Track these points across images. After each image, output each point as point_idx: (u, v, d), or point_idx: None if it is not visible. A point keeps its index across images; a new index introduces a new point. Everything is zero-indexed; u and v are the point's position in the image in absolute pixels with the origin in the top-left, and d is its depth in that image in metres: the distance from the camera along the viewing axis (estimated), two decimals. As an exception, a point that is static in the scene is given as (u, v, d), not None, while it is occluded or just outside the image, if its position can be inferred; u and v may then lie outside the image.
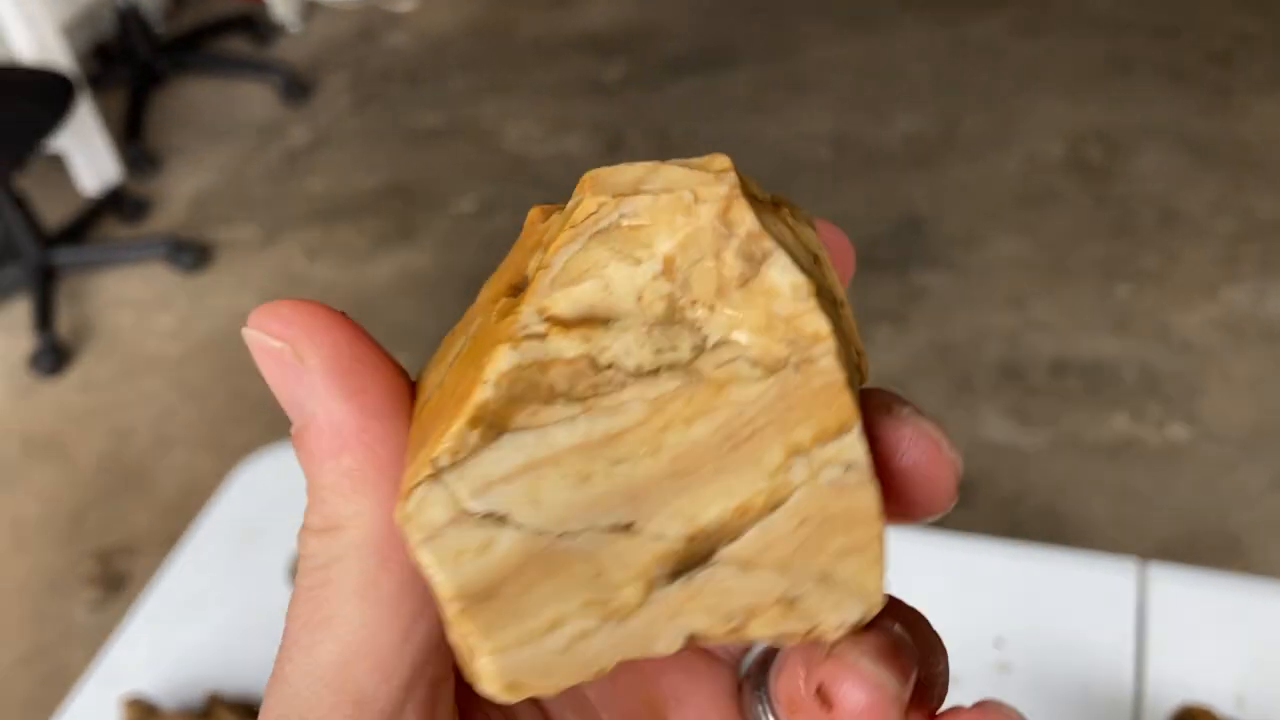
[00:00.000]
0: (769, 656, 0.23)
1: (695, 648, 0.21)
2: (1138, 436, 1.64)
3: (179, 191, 2.37)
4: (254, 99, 2.61)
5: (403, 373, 0.21)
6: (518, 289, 0.20)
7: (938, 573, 0.63)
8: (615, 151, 2.21)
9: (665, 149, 2.22)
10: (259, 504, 0.80)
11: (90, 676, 0.71)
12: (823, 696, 0.20)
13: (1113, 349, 1.75)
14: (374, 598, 0.19)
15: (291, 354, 0.20)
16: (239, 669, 0.64)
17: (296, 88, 2.59)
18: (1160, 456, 1.61)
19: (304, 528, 0.20)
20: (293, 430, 0.20)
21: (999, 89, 2.29)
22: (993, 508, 1.58)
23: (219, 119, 2.58)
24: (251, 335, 0.20)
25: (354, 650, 0.19)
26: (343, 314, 0.20)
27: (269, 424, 1.82)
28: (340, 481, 0.20)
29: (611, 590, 0.19)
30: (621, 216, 0.19)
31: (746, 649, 0.25)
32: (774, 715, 0.23)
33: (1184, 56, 2.29)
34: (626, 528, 0.19)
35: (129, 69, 2.61)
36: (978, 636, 0.60)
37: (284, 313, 0.20)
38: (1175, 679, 0.57)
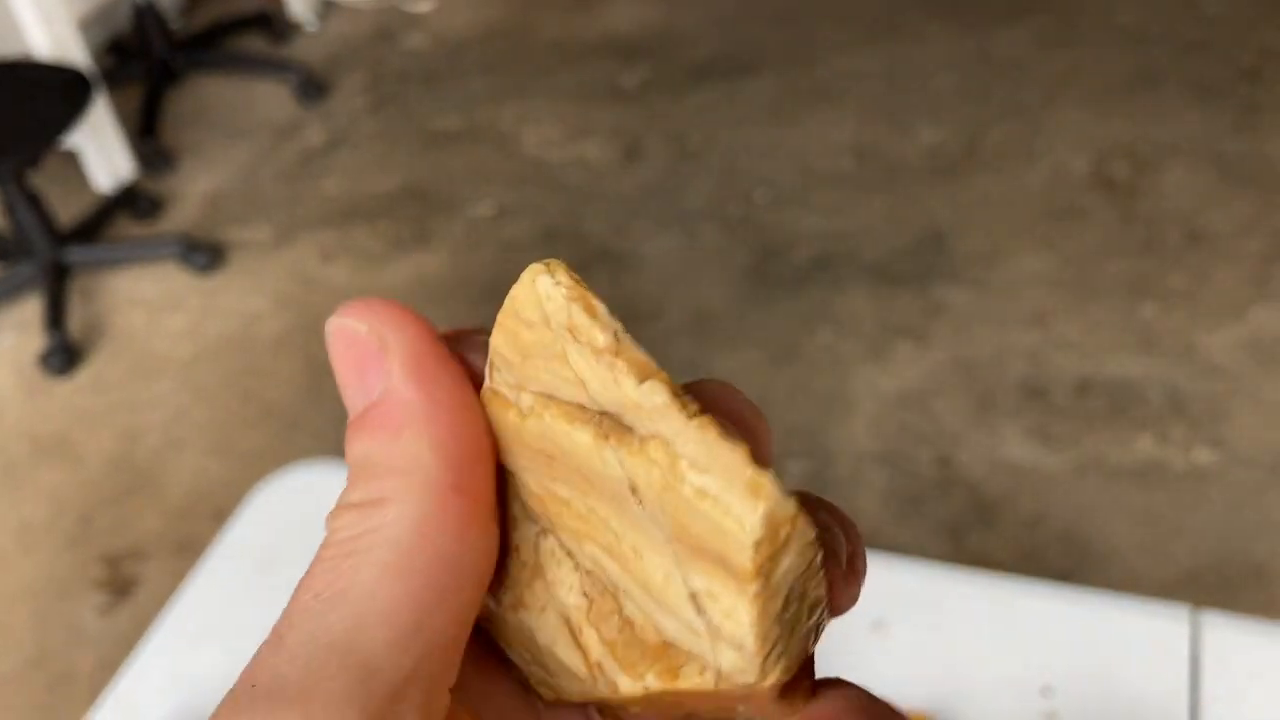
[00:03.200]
0: None
1: None
2: (1163, 459, 1.61)
3: (193, 190, 2.36)
4: (270, 98, 2.59)
5: (472, 376, 0.21)
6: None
7: (983, 616, 0.60)
8: (634, 158, 2.19)
9: (684, 156, 2.20)
10: (275, 528, 0.78)
11: (101, 705, 0.69)
12: None
13: (1138, 369, 1.73)
14: (403, 571, 0.19)
15: (374, 337, 0.21)
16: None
17: (313, 87, 2.57)
18: (1186, 480, 1.58)
19: (339, 505, 0.21)
20: (353, 417, 0.21)
21: (1024, 101, 2.27)
22: (1013, 530, 1.55)
23: (234, 118, 2.56)
24: (336, 323, 0.21)
25: (371, 619, 0.19)
26: (425, 317, 0.22)
27: (280, 428, 1.80)
28: (395, 458, 0.20)
29: None
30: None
31: None
32: None
33: (1213, 72, 2.27)
34: None
35: (145, 66, 2.60)
36: (1024, 684, 0.58)
37: (374, 305, 0.21)
38: (1236, 738, 0.55)
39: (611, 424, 0.19)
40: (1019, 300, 1.85)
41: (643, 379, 0.18)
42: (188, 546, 1.65)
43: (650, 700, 0.19)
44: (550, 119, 2.39)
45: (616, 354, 0.19)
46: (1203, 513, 1.54)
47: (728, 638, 0.18)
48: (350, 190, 2.30)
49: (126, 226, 2.28)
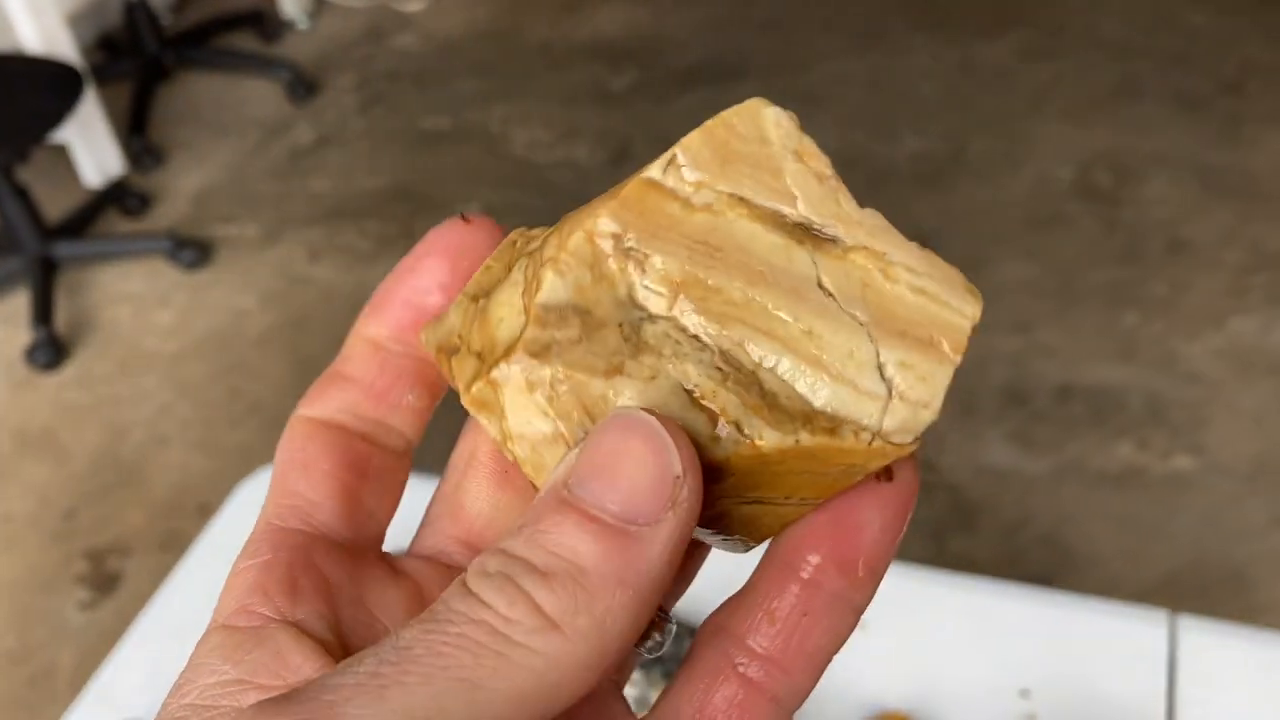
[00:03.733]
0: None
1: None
2: (1143, 466, 1.63)
3: (182, 187, 2.36)
4: (260, 96, 2.60)
5: None
6: None
7: (964, 618, 0.61)
8: (622, 161, 2.19)
9: (672, 160, 2.20)
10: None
11: (82, 700, 0.70)
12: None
13: (1119, 376, 1.75)
14: (527, 705, 0.19)
15: (678, 486, 0.20)
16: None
17: (303, 86, 2.57)
18: (1165, 487, 1.60)
19: (513, 576, 0.19)
20: (586, 504, 0.20)
21: (1008, 111, 2.29)
22: (995, 534, 1.57)
23: (224, 115, 2.56)
24: (651, 426, 0.21)
25: None
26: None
27: (265, 425, 1.80)
28: (608, 603, 0.19)
29: None
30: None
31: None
32: None
33: (1195, 84, 2.29)
34: None
35: (135, 62, 2.60)
36: (1003, 686, 0.59)
37: (688, 449, 0.21)
38: (1209, 739, 0.56)
39: (804, 232, 0.22)
40: (1002, 307, 1.87)
41: (861, 206, 0.22)
42: (172, 542, 1.65)
43: (785, 455, 0.21)
44: (539, 120, 2.40)
45: (839, 181, 0.22)
46: (1181, 518, 1.56)
47: (914, 399, 0.22)
48: (339, 189, 2.31)
49: (115, 222, 2.28)
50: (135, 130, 2.42)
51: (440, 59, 2.67)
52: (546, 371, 0.22)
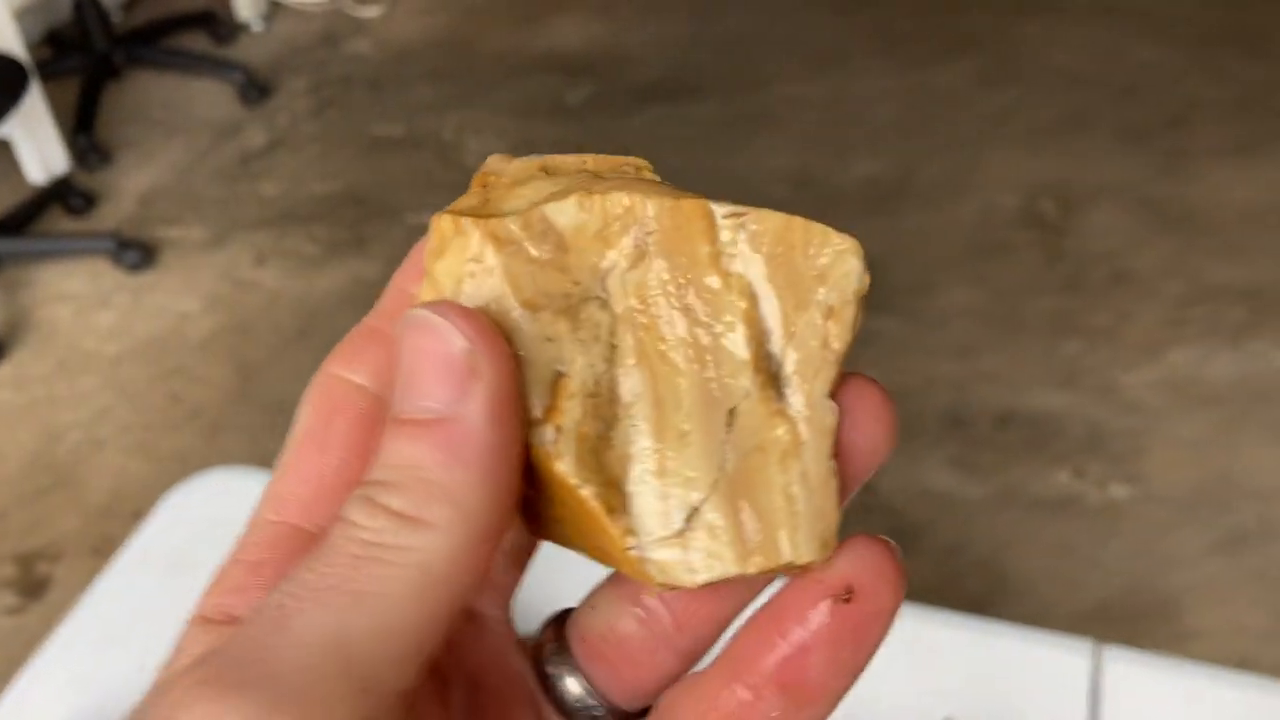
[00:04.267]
0: (561, 618, 0.26)
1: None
2: (1080, 493, 1.65)
3: (128, 187, 2.33)
4: (210, 97, 2.57)
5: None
6: None
7: (891, 643, 0.61)
8: (575, 174, 2.19)
9: (626, 175, 2.20)
10: (190, 532, 0.78)
11: None
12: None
13: (1059, 404, 1.77)
14: (425, 598, 0.20)
15: (468, 355, 0.21)
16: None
17: (255, 88, 2.55)
18: (1101, 514, 1.62)
19: (370, 500, 0.20)
20: (405, 415, 0.21)
21: (959, 137, 2.31)
22: (933, 558, 1.58)
23: (173, 115, 2.53)
24: (428, 320, 0.21)
25: (385, 633, 0.19)
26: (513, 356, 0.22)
27: (205, 430, 1.78)
28: (452, 488, 0.20)
29: None
30: None
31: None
32: (578, 674, 0.25)
33: (1142, 117, 2.33)
34: None
35: (83, 58, 2.56)
36: (928, 714, 0.59)
37: (477, 324, 0.21)
38: (1127, 769, 0.57)
39: (767, 367, 0.22)
40: (946, 332, 1.88)
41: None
42: (105, 548, 1.62)
43: (569, 496, 0.22)
44: (493, 131, 2.40)
45: (838, 363, 0.23)
46: (1116, 546, 1.58)
47: (691, 558, 0.22)
48: (288, 193, 2.29)
49: (58, 220, 2.24)
50: (82, 128, 2.39)
51: (395, 65, 2.66)
52: (495, 259, 0.22)
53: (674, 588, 0.21)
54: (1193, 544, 1.57)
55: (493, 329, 0.21)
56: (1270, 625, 1.48)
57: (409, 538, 0.20)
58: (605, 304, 0.22)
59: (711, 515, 0.21)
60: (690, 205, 0.22)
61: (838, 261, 0.22)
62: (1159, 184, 2.16)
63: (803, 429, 0.22)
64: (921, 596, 0.74)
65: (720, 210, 0.22)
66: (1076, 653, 0.62)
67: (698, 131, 2.34)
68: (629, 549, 0.21)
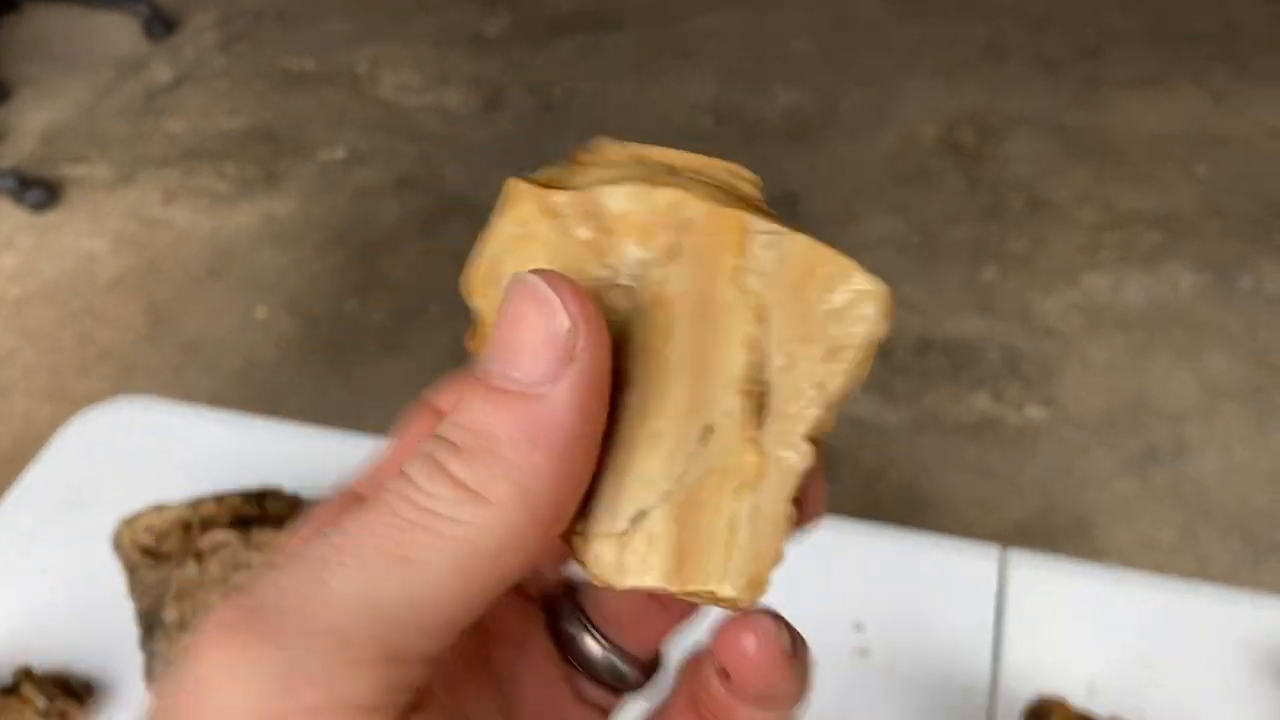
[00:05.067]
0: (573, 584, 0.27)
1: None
2: (997, 416, 1.67)
3: (28, 124, 2.24)
4: (114, 31, 2.48)
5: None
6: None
7: (803, 554, 0.61)
8: (494, 108, 2.16)
9: (546, 108, 2.18)
10: (87, 466, 0.75)
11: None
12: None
13: (976, 330, 1.79)
14: (470, 576, 0.20)
15: (568, 339, 0.20)
16: (53, 641, 0.60)
17: (160, 22, 2.47)
18: (1018, 437, 1.65)
19: (434, 460, 0.20)
20: (496, 379, 0.20)
21: (879, 68, 2.31)
22: (854, 483, 1.60)
23: (75, 50, 2.44)
24: (538, 286, 0.20)
25: (423, 604, 0.19)
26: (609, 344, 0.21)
27: (114, 373, 1.74)
28: (521, 467, 0.20)
29: None
30: None
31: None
32: (593, 632, 0.26)
33: (1057, 47, 2.34)
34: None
35: (-24, -10, 2.46)
36: (838, 620, 0.60)
37: (586, 307, 0.20)
38: (1031, 667, 0.58)
39: (758, 390, 0.22)
40: (867, 261, 1.86)
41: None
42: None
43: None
44: (408, 64, 2.35)
45: (827, 407, 0.22)
46: (1032, 468, 1.61)
47: (625, 559, 0.22)
48: (196, 129, 2.22)
49: (-47, 159, 2.16)
50: (-23, 63, 2.30)
51: (306, -2, 2.58)
52: (539, 228, 0.22)
53: (603, 581, 0.22)
54: (1106, 464, 1.61)
55: (599, 315, 0.21)
56: (1178, 541, 1.52)
57: (466, 511, 0.20)
58: (630, 292, 0.22)
59: (655, 524, 0.21)
60: (728, 216, 0.22)
61: (855, 303, 0.22)
62: (1074, 113, 2.18)
63: (770, 464, 0.21)
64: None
65: (758, 226, 0.22)
66: (984, 558, 0.63)
67: (617, 63, 2.31)
68: (576, 531, 0.22)
